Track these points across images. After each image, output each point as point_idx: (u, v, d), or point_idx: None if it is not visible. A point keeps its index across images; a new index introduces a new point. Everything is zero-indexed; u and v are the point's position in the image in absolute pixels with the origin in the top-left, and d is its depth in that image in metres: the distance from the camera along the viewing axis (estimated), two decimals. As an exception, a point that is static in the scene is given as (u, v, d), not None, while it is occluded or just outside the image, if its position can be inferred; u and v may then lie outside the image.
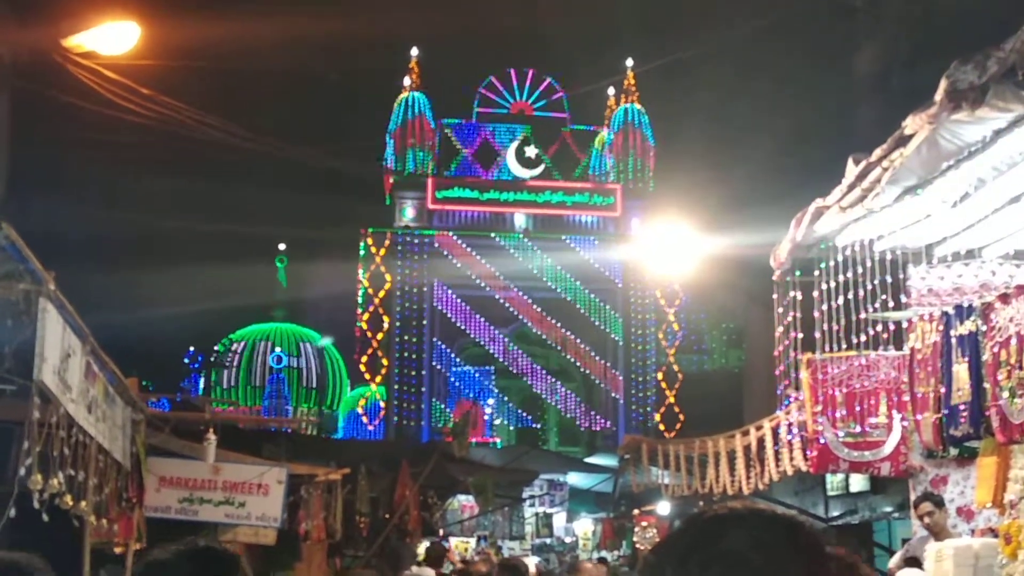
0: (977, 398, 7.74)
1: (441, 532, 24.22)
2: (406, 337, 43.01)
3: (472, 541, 27.98)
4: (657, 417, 42.95)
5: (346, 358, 46.96)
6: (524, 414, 44.18)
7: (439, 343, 43.53)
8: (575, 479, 28.23)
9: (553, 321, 43.88)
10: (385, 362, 42.66)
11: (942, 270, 9.51)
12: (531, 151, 45.47)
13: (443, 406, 42.41)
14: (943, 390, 8.20)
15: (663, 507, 21.48)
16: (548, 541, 30.67)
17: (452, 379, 43.48)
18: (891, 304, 9.52)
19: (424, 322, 43.24)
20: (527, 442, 36.38)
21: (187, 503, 10.13)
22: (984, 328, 7.66)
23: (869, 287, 9.34)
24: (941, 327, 8.28)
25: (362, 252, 43.69)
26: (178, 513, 10.06)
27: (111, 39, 9.77)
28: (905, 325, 9.44)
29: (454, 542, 26.37)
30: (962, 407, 7.95)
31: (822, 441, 9.96)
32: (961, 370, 7.95)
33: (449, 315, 43.75)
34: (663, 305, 44.13)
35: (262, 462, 11.16)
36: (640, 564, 1.62)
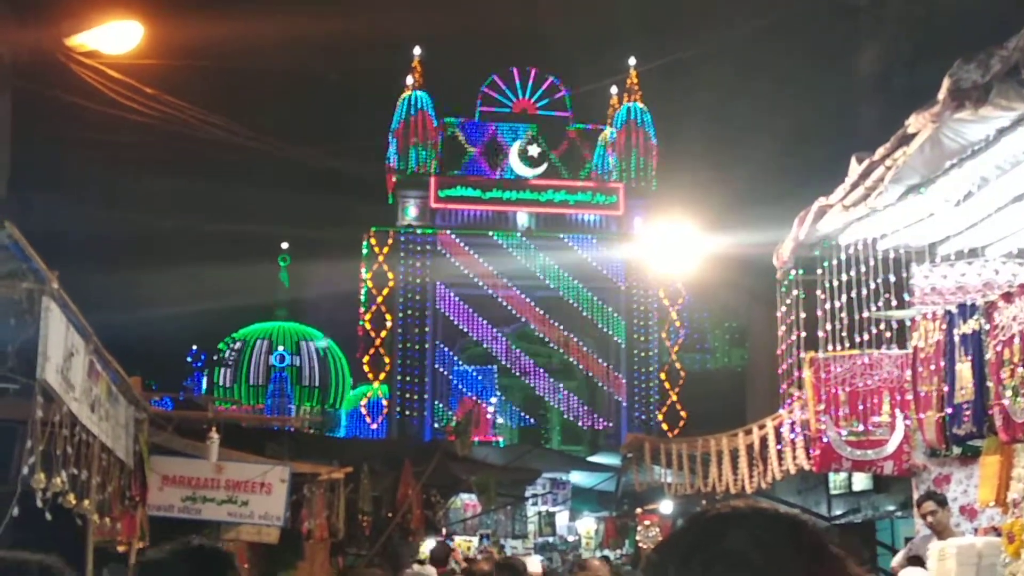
0: (980, 397, 7.74)
1: (444, 531, 24.21)
2: (408, 336, 43.02)
3: (475, 540, 27.96)
4: (660, 416, 42.94)
5: (349, 357, 46.98)
6: (525, 415, 44.15)
7: (441, 343, 43.53)
8: (578, 478, 28.22)
9: (555, 321, 43.87)
10: (387, 360, 42.67)
11: (945, 269, 9.51)
12: (534, 150, 45.44)
13: (444, 407, 42.39)
14: (946, 389, 8.20)
15: (666, 506, 21.47)
16: (551, 540, 30.65)
17: (454, 378, 43.49)
18: (894, 303, 9.52)
19: (427, 321, 43.25)
20: (530, 441, 36.38)
21: (190, 502, 10.13)
22: (987, 327, 7.66)
23: (872, 286, 9.34)
24: (944, 326, 8.27)
25: (365, 251, 43.70)
26: (181, 512, 10.06)
27: (113, 38, 9.77)
28: (908, 324, 9.45)
29: (457, 541, 26.36)
30: (965, 406, 7.95)
31: (825, 440, 9.95)
32: (964, 369, 7.95)
33: (451, 315, 43.76)
34: (666, 304, 44.11)
35: (265, 461, 11.16)
36: (643, 563, 1.62)
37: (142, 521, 9.30)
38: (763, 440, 12.61)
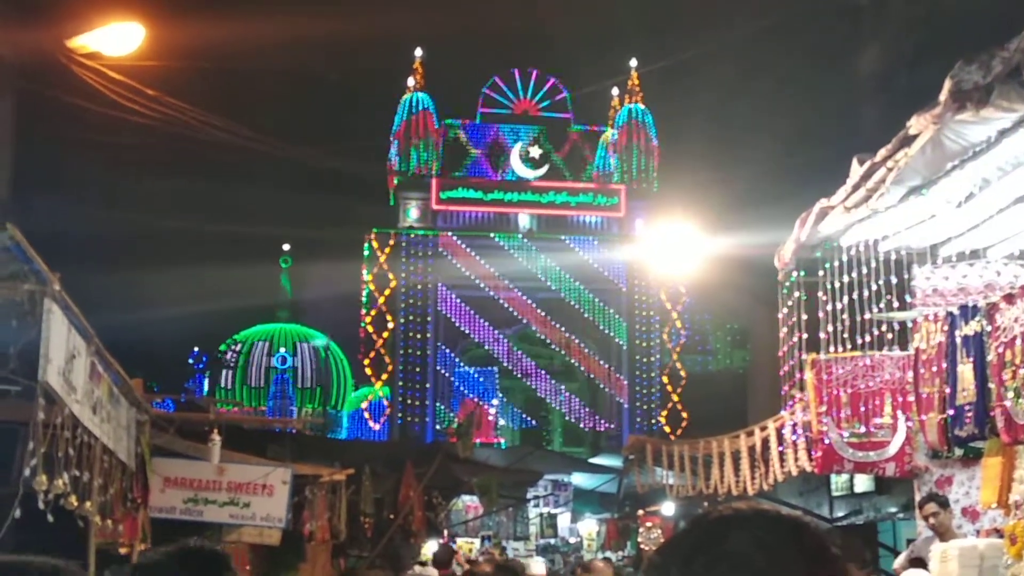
0: (982, 398, 7.74)
1: (445, 533, 24.20)
2: (410, 337, 43.02)
3: (476, 542, 27.97)
4: (662, 418, 42.92)
5: (351, 359, 47.00)
6: (527, 417, 44.13)
7: (443, 344, 43.54)
8: (579, 479, 28.21)
9: (557, 323, 43.86)
10: (389, 362, 42.67)
11: (947, 270, 9.51)
12: (535, 151, 45.43)
13: (445, 409, 42.38)
14: (948, 390, 8.20)
15: (667, 508, 21.45)
16: (552, 541, 30.65)
17: (456, 380, 43.49)
18: (896, 304, 9.52)
19: (428, 323, 43.26)
20: (531, 442, 36.38)
21: (192, 503, 10.13)
22: (989, 328, 7.66)
23: (874, 287, 9.34)
24: (946, 327, 8.27)
25: (366, 253, 43.71)
26: (183, 514, 10.06)
27: (115, 40, 9.77)
28: (910, 325, 9.45)
29: (459, 542, 26.37)
30: (967, 407, 7.94)
31: (827, 441, 9.95)
32: (966, 370, 7.95)
33: (453, 317, 43.76)
34: (667, 305, 44.10)
35: (267, 463, 11.15)
36: (645, 564, 1.62)
37: (144, 523, 9.30)
38: (765, 442, 12.60)
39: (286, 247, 50.62)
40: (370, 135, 46.09)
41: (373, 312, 43.08)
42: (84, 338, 6.36)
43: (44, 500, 5.77)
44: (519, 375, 44.09)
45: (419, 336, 43.15)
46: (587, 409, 44.10)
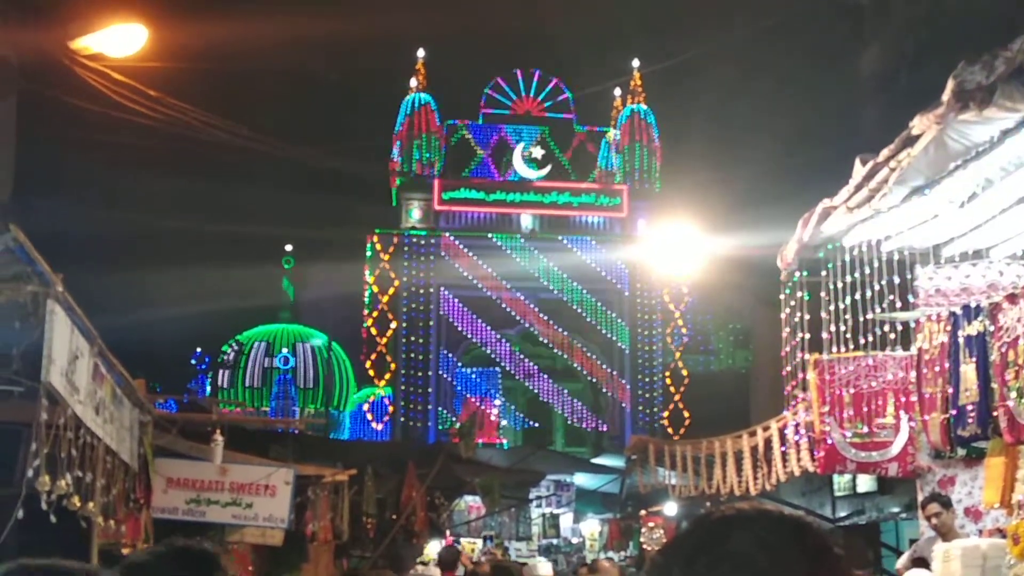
0: (985, 398, 7.74)
1: (448, 533, 24.20)
2: (412, 338, 43.03)
3: (479, 542, 27.97)
4: (664, 418, 42.91)
5: (353, 359, 47.00)
6: (528, 419, 44.11)
7: (445, 345, 43.54)
8: (582, 480, 28.22)
9: (559, 324, 43.85)
10: (391, 361, 42.68)
11: (949, 270, 9.51)
12: (537, 151, 45.42)
13: (447, 412, 42.38)
14: (951, 390, 8.20)
15: (670, 508, 21.45)
16: (555, 542, 30.66)
17: (458, 380, 43.48)
18: (898, 304, 9.51)
19: (431, 324, 43.27)
20: (534, 443, 36.37)
21: (194, 504, 10.14)
22: (992, 328, 7.66)
23: (876, 287, 9.33)
24: (949, 327, 8.27)
25: (368, 253, 43.72)
26: (185, 514, 10.07)
27: (118, 41, 9.78)
28: (912, 325, 9.44)
29: (461, 543, 26.37)
30: (970, 407, 7.94)
31: (829, 442, 9.95)
32: (969, 370, 7.95)
33: (455, 318, 43.76)
34: (670, 306, 44.08)
35: (269, 463, 11.16)
36: (647, 565, 1.62)
37: (146, 523, 9.31)
38: (767, 442, 12.60)
39: (288, 248, 50.68)
40: (372, 136, 46.12)
41: (375, 313, 43.09)
42: (87, 339, 6.37)
43: (47, 501, 5.78)
44: (521, 377, 44.08)
45: (421, 337, 43.15)
46: (589, 410, 44.08)
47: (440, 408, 42.81)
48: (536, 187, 44.93)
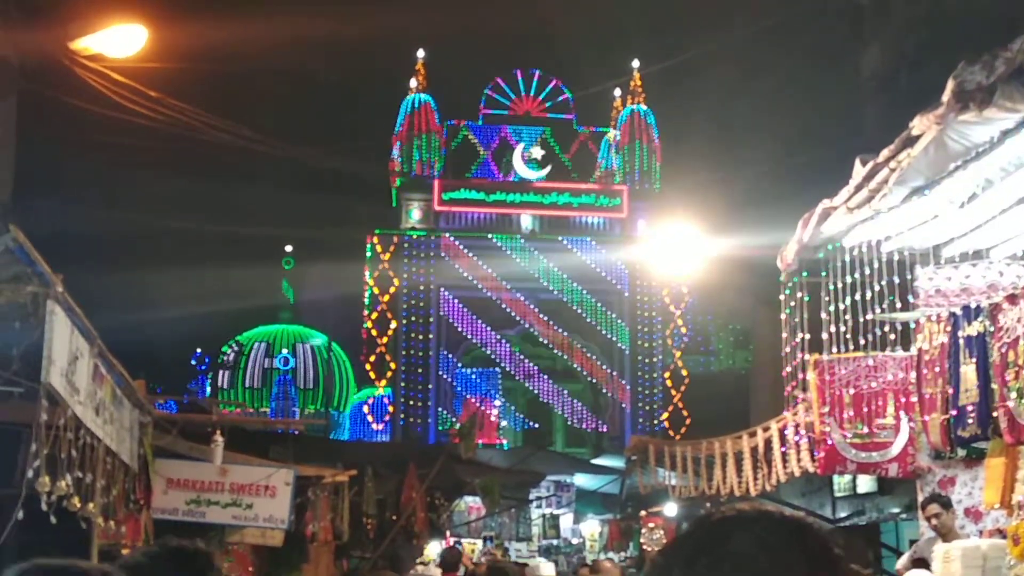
0: (985, 399, 7.73)
1: (448, 534, 24.19)
2: (412, 339, 43.03)
3: (479, 542, 27.97)
4: (664, 418, 42.91)
5: (353, 360, 47.00)
6: (528, 420, 44.10)
7: (445, 345, 43.53)
8: (582, 480, 28.21)
9: (559, 324, 43.84)
10: (391, 361, 42.67)
11: (949, 271, 9.51)
12: (537, 152, 45.41)
13: (447, 412, 42.37)
14: (951, 391, 8.20)
15: (670, 508, 21.45)
16: (555, 542, 30.65)
17: (458, 381, 43.48)
18: (898, 305, 9.51)
19: (431, 324, 43.27)
20: (534, 443, 36.37)
21: (194, 505, 10.14)
22: (992, 329, 7.65)
23: (876, 288, 9.33)
24: (949, 328, 8.27)
25: (368, 254, 43.72)
26: (185, 515, 10.07)
27: (118, 42, 9.78)
28: (912, 326, 9.44)
29: (463, 543, 26.36)
30: (970, 408, 7.94)
31: (829, 442, 9.94)
32: (969, 371, 7.95)
33: (455, 318, 43.75)
34: (670, 306, 44.08)
35: (269, 464, 11.16)
36: (648, 565, 1.62)
37: (147, 524, 9.31)
38: (767, 442, 12.59)
39: (288, 248, 50.67)
40: (372, 136, 46.14)
41: (375, 313, 43.09)
42: (87, 339, 6.37)
43: (47, 502, 5.78)
44: (520, 377, 44.07)
45: (421, 337, 43.15)
46: (589, 411, 44.08)
47: (440, 409, 42.81)
48: (536, 188, 44.92)
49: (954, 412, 8.15)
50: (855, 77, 31.70)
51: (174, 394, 25.96)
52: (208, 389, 46.56)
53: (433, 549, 21.43)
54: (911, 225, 8.84)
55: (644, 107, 46.45)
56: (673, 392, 43.52)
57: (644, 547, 22.72)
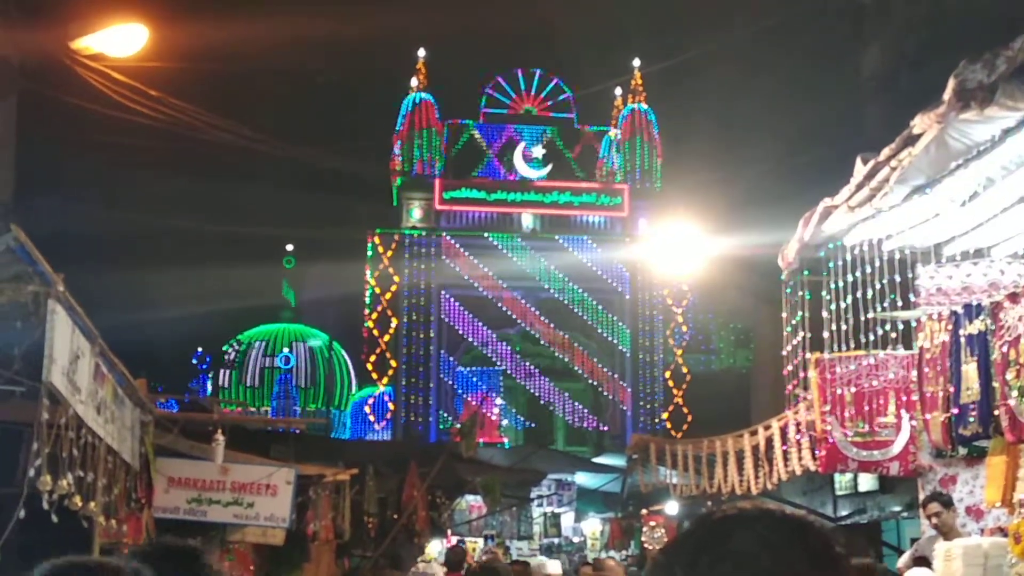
0: (986, 397, 7.74)
1: (449, 532, 24.20)
2: (413, 337, 43.03)
3: (480, 541, 27.98)
4: (665, 417, 42.92)
5: (354, 359, 47.00)
6: (528, 420, 44.09)
7: (446, 344, 43.53)
8: (583, 479, 28.21)
9: (560, 324, 43.83)
10: (391, 359, 42.67)
11: (951, 269, 9.51)
12: (538, 151, 45.40)
13: (447, 411, 42.37)
14: (952, 389, 8.20)
15: (671, 507, 21.43)
16: (556, 541, 30.66)
17: (459, 380, 43.48)
18: (900, 303, 9.50)
19: (431, 323, 43.27)
20: (535, 442, 36.38)
21: (196, 503, 10.15)
22: (993, 327, 7.66)
23: (878, 286, 9.33)
24: (950, 326, 8.27)
25: (369, 253, 43.72)
26: (187, 514, 10.08)
27: (119, 41, 9.78)
28: (914, 324, 9.44)
29: (465, 542, 26.37)
30: (971, 406, 7.94)
31: (831, 441, 9.94)
32: (970, 369, 7.95)
33: (455, 318, 43.75)
34: (671, 305, 44.08)
35: (270, 463, 11.17)
36: (649, 564, 1.62)
37: (148, 523, 9.32)
38: (769, 441, 12.59)
39: (289, 247, 50.66)
40: (373, 135, 46.14)
41: (376, 312, 43.10)
42: (88, 339, 6.37)
43: (48, 500, 5.78)
44: (520, 378, 44.07)
45: (422, 336, 43.16)
46: (589, 410, 44.08)
47: (440, 410, 42.81)
48: (537, 187, 44.91)
49: (955, 410, 8.15)
50: (856, 77, 31.67)
51: (175, 393, 26.00)
52: (209, 388, 46.59)
53: (434, 548, 21.44)
54: (912, 224, 8.84)
55: (645, 106, 46.46)
56: (674, 391, 43.53)
57: (645, 546, 22.73)
